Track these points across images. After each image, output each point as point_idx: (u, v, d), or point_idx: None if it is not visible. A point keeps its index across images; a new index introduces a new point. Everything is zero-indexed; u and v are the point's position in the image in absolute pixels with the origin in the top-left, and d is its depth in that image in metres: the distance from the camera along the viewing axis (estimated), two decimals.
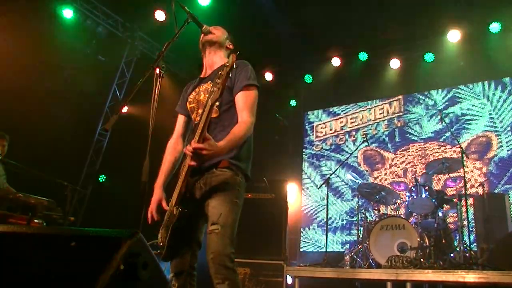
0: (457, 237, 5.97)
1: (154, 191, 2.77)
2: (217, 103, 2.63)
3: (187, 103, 2.92)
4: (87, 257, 1.12)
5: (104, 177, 8.80)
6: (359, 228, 6.66)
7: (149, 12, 8.05)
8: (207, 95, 2.75)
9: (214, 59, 2.93)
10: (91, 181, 8.49)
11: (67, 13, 7.70)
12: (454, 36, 8.22)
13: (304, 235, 9.71)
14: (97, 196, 8.40)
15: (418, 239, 5.56)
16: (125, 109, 7.46)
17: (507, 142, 8.00)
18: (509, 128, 8.05)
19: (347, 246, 8.68)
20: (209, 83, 2.82)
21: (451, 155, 8.17)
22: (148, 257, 1.13)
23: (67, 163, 7.44)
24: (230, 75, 2.47)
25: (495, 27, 7.90)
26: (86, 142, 8.47)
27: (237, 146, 2.59)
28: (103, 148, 8.68)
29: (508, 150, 7.95)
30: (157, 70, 2.41)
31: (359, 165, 9.50)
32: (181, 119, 3.02)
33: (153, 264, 1.15)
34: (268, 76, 9.86)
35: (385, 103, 9.61)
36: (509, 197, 6.81)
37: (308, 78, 9.95)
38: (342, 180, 9.56)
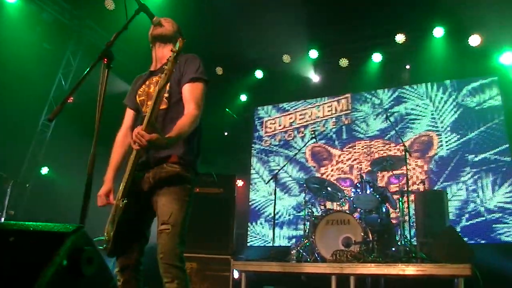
0: (399, 232, 6.19)
1: (103, 185, 2.72)
2: (166, 95, 2.61)
3: (137, 96, 2.88)
4: (27, 253, 1.08)
5: (48, 170, 8.49)
6: (306, 223, 6.77)
7: (98, 0, 7.81)
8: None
9: (164, 53, 2.88)
10: (33, 173, 8.16)
11: None
12: (401, 38, 8.48)
13: (251, 229, 9.77)
14: (39, 189, 8.08)
15: (362, 234, 5.72)
16: (70, 100, 7.20)
17: (446, 142, 8.37)
18: (449, 128, 8.43)
19: (294, 240, 8.81)
20: (159, 75, 2.77)
21: (395, 153, 8.44)
22: (93, 252, 1.10)
23: (7, 155, 7.12)
24: (178, 61, 2.45)
25: (438, 31, 8.23)
26: (28, 133, 8.13)
27: (182, 139, 2.55)
28: (47, 139, 8.36)
29: (447, 149, 8.32)
30: (105, 61, 2.34)
31: (307, 161, 9.65)
32: (129, 112, 2.98)
33: (98, 259, 1.12)
34: (219, 71, 9.82)
35: (334, 101, 9.81)
36: (447, 194, 7.12)
37: (258, 74, 9.99)
38: (290, 176, 9.68)
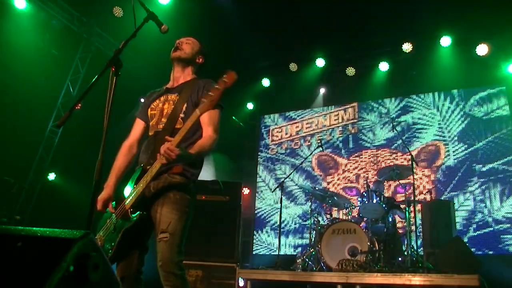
0: (405, 242, 6.15)
1: (104, 190, 2.72)
2: (182, 115, 2.66)
3: (149, 109, 2.91)
4: (34, 258, 1.08)
5: (54, 175, 8.52)
6: (312, 231, 6.74)
7: (106, 8, 7.88)
8: (173, 106, 2.77)
9: (182, 74, 2.96)
10: (40, 178, 8.20)
11: (20, 3, 7.42)
12: (408, 47, 8.48)
13: (257, 238, 9.74)
14: (46, 194, 8.12)
15: (368, 243, 5.69)
16: (78, 106, 7.26)
17: (454, 152, 8.33)
18: (456, 138, 8.39)
19: (299, 249, 8.77)
20: (176, 95, 2.85)
21: (401, 162, 8.41)
22: (99, 259, 1.10)
23: (15, 160, 7.16)
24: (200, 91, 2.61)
25: (445, 40, 8.22)
26: (36, 139, 8.17)
27: (200, 158, 2.71)
28: (54, 145, 8.40)
29: (454, 159, 8.27)
30: (113, 68, 2.35)
31: (313, 170, 9.63)
32: (139, 124, 3.00)
33: (104, 265, 1.12)
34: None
35: (340, 110, 9.80)
36: (454, 204, 7.07)
37: (265, 82, 10.01)
38: (296, 184, 9.66)
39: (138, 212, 2.49)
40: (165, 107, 2.83)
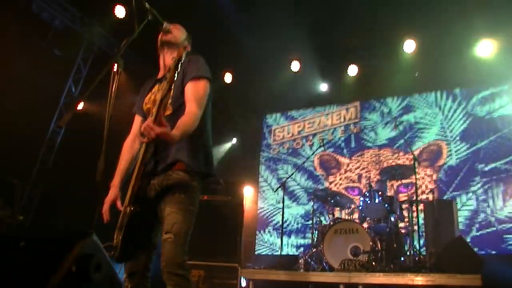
0: (408, 242, 6.14)
1: (110, 190, 2.71)
2: (170, 101, 2.60)
3: (144, 104, 2.89)
4: (37, 258, 1.08)
5: (57, 175, 8.52)
6: (314, 231, 6.74)
7: (108, 7, 7.88)
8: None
9: (170, 60, 2.90)
10: (43, 179, 8.20)
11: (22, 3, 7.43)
12: (409, 46, 8.45)
13: (259, 238, 9.74)
14: (48, 195, 8.12)
15: (371, 243, 5.69)
16: (80, 106, 7.28)
17: (456, 151, 8.31)
18: (458, 138, 8.37)
19: (302, 249, 8.77)
20: (164, 83, 2.79)
21: (404, 162, 8.39)
22: (102, 259, 1.10)
23: (17, 161, 7.16)
24: (179, 69, 2.41)
25: (448, 39, 8.17)
26: (38, 139, 8.18)
27: (185, 137, 2.52)
28: (56, 146, 8.41)
29: (457, 159, 8.25)
30: (115, 67, 2.35)
31: (315, 170, 9.62)
32: (138, 119, 3.00)
33: (107, 265, 1.12)
34: (228, 78, 9.84)
35: (342, 109, 9.79)
36: (457, 203, 7.05)
37: (267, 82, 9.98)
38: (298, 184, 9.65)
39: (131, 208, 2.47)
40: (157, 98, 2.72)
